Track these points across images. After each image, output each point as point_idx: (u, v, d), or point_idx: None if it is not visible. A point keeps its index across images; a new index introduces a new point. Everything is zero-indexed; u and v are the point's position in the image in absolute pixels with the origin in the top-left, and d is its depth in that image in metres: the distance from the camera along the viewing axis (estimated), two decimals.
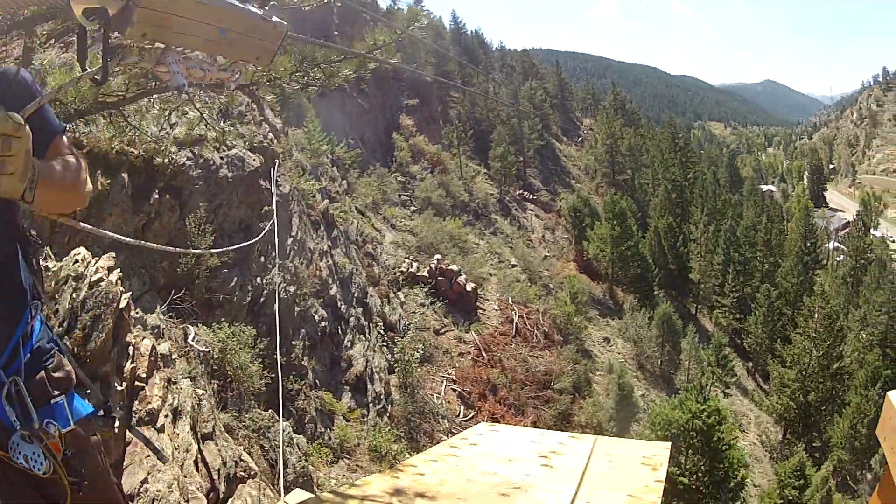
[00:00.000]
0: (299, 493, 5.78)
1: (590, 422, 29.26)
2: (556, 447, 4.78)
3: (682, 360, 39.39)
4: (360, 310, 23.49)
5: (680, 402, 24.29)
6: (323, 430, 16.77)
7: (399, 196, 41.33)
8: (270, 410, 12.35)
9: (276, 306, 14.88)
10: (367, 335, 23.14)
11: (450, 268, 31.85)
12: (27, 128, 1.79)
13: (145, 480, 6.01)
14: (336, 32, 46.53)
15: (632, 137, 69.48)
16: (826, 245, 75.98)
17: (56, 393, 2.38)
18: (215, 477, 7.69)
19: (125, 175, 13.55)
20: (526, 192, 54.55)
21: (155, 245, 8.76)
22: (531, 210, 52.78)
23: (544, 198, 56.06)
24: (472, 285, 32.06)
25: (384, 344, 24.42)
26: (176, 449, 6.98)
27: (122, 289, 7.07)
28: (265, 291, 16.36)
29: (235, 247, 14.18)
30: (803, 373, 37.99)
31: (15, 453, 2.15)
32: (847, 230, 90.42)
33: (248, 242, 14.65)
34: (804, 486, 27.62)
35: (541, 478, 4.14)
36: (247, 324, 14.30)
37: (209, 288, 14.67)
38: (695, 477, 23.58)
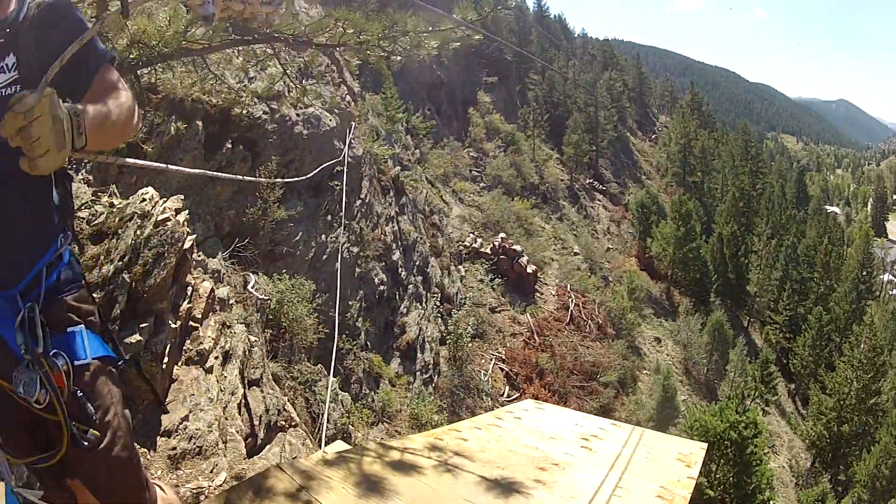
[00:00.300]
0: (339, 445, 5.95)
1: (630, 419, 29.11)
2: (597, 431, 4.84)
3: (728, 370, 38.81)
4: (419, 278, 23.60)
5: (720, 410, 23.98)
6: (368, 391, 16.86)
7: (470, 171, 41.16)
8: (320, 365, 12.41)
9: (338, 264, 15.20)
10: (424, 304, 23.25)
11: (513, 247, 31.91)
12: (45, 100, 1.69)
13: (186, 418, 6.01)
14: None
15: (705, 140, 68.09)
16: (881, 276, 73.58)
17: (75, 319, 2.26)
18: (256, 423, 7.65)
19: (199, 123, 13.81)
20: (596, 182, 53.91)
21: (220, 174, 8.89)
22: (599, 200, 52.18)
23: (614, 190, 55.28)
24: (533, 268, 32.09)
25: (439, 315, 24.52)
26: (222, 391, 6.98)
27: (187, 230, 6.99)
28: (328, 249, 16.44)
29: (296, 179, 14.62)
30: (841, 402, 37.16)
31: (17, 382, 2.04)
32: None
33: (313, 174, 14.94)
34: None
35: (579, 458, 4.19)
36: (307, 279, 14.43)
37: (273, 240, 14.86)
38: (721, 489, 23.35)
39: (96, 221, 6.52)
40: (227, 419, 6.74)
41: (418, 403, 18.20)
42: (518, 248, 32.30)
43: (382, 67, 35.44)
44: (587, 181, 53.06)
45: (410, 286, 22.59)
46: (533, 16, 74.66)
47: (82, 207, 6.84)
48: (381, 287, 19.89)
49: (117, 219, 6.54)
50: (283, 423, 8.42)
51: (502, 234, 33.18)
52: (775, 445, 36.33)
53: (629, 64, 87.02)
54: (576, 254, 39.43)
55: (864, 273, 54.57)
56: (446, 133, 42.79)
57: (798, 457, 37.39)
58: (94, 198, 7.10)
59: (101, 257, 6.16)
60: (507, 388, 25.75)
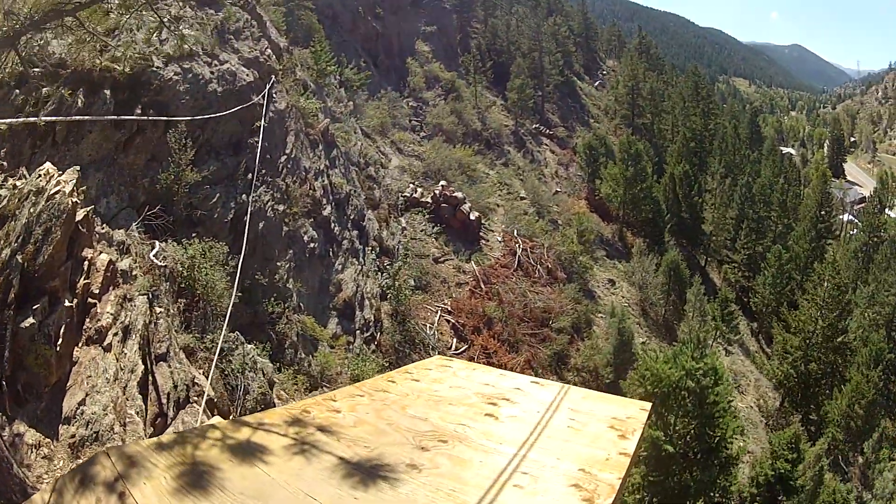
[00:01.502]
0: (217, 420, 4.60)
1: (586, 365, 28.13)
2: (511, 394, 3.74)
3: (687, 310, 37.79)
4: (355, 233, 22.50)
5: (673, 357, 22.04)
6: (304, 356, 15.96)
7: (409, 121, 39.92)
8: (236, 332, 11.57)
9: (247, 219, 14.81)
10: (361, 259, 22.15)
11: (454, 195, 30.42)
12: None
13: (83, 402, 5.84)
14: None
15: (654, 82, 67.11)
16: (840, 217, 73.89)
17: None
18: (164, 401, 7.35)
19: (107, 91, 13.46)
20: (542, 127, 52.70)
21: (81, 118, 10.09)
22: (546, 145, 51.03)
23: (561, 134, 54.20)
24: (476, 214, 30.66)
25: (379, 269, 23.40)
26: (122, 370, 6.68)
27: (76, 200, 6.80)
28: (250, 210, 15.64)
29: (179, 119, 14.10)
30: (807, 341, 36.45)
31: None
32: (862, 205, 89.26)
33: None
34: (797, 461, 26.05)
35: (478, 431, 3.19)
36: (229, 242, 13.95)
37: (189, 204, 14.24)
38: (682, 443, 21.45)
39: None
40: (127, 400, 6.50)
41: (359, 364, 17.37)
42: (459, 194, 30.78)
43: (311, 20, 34.06)
44: (533, 126, 51.73)
45: (345, 241, 21.49)
46: None
47: None
48: (312, 245, 18.90)
49: (17, 199, 6.47)
50: (196, 398, 8.11)
51: (443, 182, 31.55)
52: (741, 385, 35.71)
53: (574, 10, 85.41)
54: (522, 198, 38.08)
55: (823, 213, 54.06)
56: (384, 84, 41.48)
57: (766, 396, 36.79)
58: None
59: (1, 241, 6.08)
60: (455, 340, 24.58)
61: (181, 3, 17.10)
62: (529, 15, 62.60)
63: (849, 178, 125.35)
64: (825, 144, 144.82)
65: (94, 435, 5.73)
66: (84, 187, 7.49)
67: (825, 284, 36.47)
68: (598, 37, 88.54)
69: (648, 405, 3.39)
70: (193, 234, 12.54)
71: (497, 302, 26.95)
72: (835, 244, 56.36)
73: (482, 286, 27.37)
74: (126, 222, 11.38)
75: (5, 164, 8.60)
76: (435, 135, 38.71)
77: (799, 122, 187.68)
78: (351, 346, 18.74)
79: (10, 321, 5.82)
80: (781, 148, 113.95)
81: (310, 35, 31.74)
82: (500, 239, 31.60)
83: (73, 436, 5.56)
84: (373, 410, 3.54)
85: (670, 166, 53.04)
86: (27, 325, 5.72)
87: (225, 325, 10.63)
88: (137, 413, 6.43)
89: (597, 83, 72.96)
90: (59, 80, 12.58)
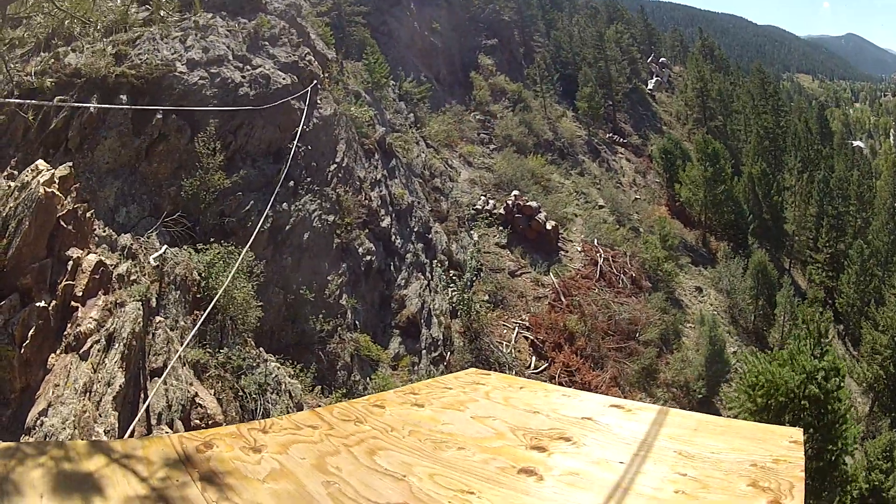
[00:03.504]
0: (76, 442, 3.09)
1: (676, 380, 25.31)
2: (574, 428, 2.14)
3: (777, 315, 34.41)
4: (420, 246, 20.64)
5: (790, 357, 17.60)
6: (359, 378, 14.27)
7: (478, 134, 38.17)
8: (260, 349, 10.17)
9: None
10: (428, 274, 20.29)
11: (528, 204, 28.20)
12: None
13: (44, 412, 5.34)
14: None
15: (721, 83, 64.59)
16: None
17: None
18: (154, 421, 6.43)
19: (124, 97, 12.74)
20: (616, 136, 50.35)
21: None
22: (621, 154, 48.50)
23: (635, 141, 51.72)
24: (553, 223, 28.30)
25: (448, 284, 21.37)
26: (97, 382, 5.87)
27: (54, 192, 6.32)
28: (293, 219, 14.44)
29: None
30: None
31: None
32: None
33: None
34: (890, 470, 22.31)
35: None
36: (266, 253, 12.99)
37: (220, 212, 13.25)
38: None
39: None
40: (100, 415, 5.62)
41: None
42: (534, 204, 28.61)
43: (362, 34, 32.96)
44: (607, 135, 49.36)
45: (409, 255, 19.67)
46: None
47: None
48: (369, 258, 17.18)
49: (6, 197, 6.21)
50: (198, 420, 7.07)
51: (515, 192, 29.18)
52: None
53: (635, 18, 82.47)
54: (601, 207, 35.61)
55: None
56: (448, 99, 40.10)
57: (855, 401, 32.75)
58: (3, 181, 6.95)
59: None
60: (534, 358, 22.37)
61: (211, 14, 16.36)
62: (590, 23, 60.32)
63: None
64: (891, 133, 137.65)
65: None
66: (77, 185, 7.03)
67: None
68: (661, 43, 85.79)
69: (798, 434, 1.96)
70: (223, 244, 11.19)
71: (579, 315, 24.52)
72: None
73: (562, 299, 24.98)
74: (147, 232, 10.69)
75: (16, 172, 7.95)
76: (505, 146, 36.68)
77: (864, 114, 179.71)
78: (416, 367, 16.91)
79: None
80: (851, 141, 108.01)
81: (362, 49, 30.56)
82: (579, 249, 29.21)
83: None
84: (315, 454, 2.19)
85: (747, 166, 50.21)
86: None
87: (248, 341, 9.53)
88: (107, 431, 5.58)
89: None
90: (74, 88, 12.04)
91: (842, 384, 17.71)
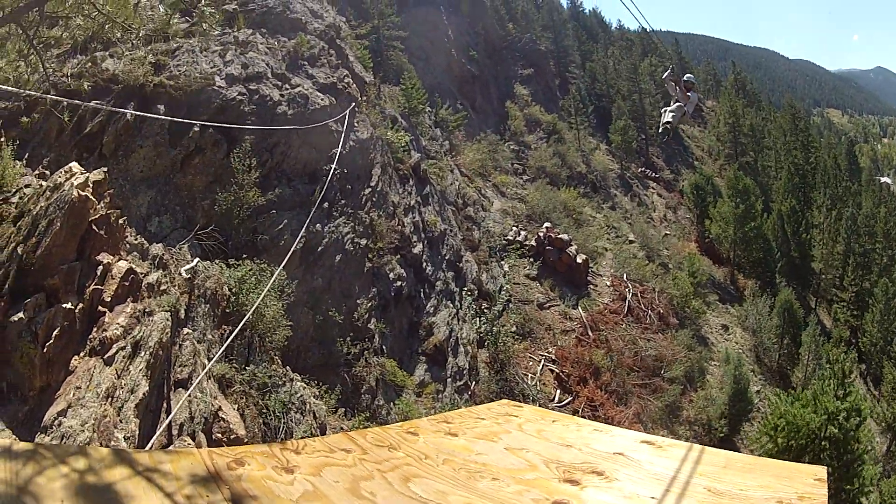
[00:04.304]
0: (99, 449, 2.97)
1: (699, 417, 25.02)
2: (606, 463, 2.23)
3: (802, 354, 33.82)
4: (450, 274, 20.68)
5: (813, 398, 17.92)
6: (383, 403, 14.32)
7: (511, 164, 38.19)
8: (286, 367, 10.29)
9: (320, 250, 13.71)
10: (457, 302, 20.27)
11: (559, 237, 28.10)
12: None
13: (63, 413, 5.30)
14: None
15: (753, 118, 64.11)
16: None
17: None
18: (175, 432, 6.42)
19: (161, 107, 12.86)
20: (648, 171, 50.09)
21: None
22: (653, 188, 48.20)
23: (667, 176, 51.42)
24: (584, 257, 28.19)
25: (477, 314, 21.35)
26: (120, 388, 5.89)
27: (87, 196, 6.31)
28: (325, 240, 14.56)
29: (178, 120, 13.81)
30: None
31: None
32: None
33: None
34: None
35: None
36: (298, 273, 13.08)
37: (253, 229, 13.41)
38: None
39: (23, 202, 6.23)
40: (121, 421, 5.68)
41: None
42: (565, 237, 28.52)
43: (401, 60, 33.29)
44: (639, 169, 49.16)
45: (439, 283, 19.72)
46: (567, 12, 71.43)
47: (14, 193, 6.51)
48: (399, 283, 17.27)
49: (36, 196, 6.22)
50: (219, 433, 7.08)
51: (547, 224, 29.22)
52: None
53: (669, 51, 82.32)
54: (631, 241, 35.47)
55: None
56: (483, 127, 40.12)
57: (872, 440, 32.07)
58: (35, 179, 6.87)
59: (13, 235, 5.87)
60: (559, 391, 22.21)
61: (251, 31, 16.49)
62: (625, 55, 60.35)
63: None
64: None
65: None
66: (110, 191, 7.10)
67: None
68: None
69: (823, 472, 2.09)
70: (255, 261, 11.29)
71: (605, 350, 24.34)
72: None
73: (590, 333, 24.84)
74: (178, 243, 10.68)
75: (47, 172, 8.02)
76: (538, 177, 36.70)
77: (892, 149, 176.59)
78: (440, 395, 16.83)
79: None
80: (878, 178, 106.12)
81: (400, 74, 30.86)
82: (608, 283, 29.09)
83: None
84: (349, 478, 2.19)
85: (777, 203, 49.66)
86: (16, 319, 5.34)
87: (274, 359, 9.58)
88: (127, 438, 5.57)
89: (699, 120, 69.35)
90: (110, 94, 12.15)
91: (862, 424, 17.70)
